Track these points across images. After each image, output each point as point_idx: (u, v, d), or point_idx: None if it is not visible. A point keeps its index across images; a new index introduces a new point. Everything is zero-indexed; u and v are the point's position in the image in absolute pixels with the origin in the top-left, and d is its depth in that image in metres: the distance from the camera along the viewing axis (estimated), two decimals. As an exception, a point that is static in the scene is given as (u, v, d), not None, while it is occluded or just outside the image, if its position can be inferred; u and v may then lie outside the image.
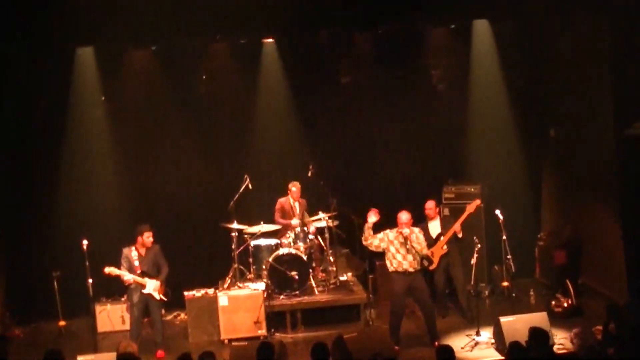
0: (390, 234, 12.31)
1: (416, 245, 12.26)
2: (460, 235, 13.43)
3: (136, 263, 12.52)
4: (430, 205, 13.64)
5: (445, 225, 13.53)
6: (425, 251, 12.44)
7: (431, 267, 13.30)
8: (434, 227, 13.57)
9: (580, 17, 13.49)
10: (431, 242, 13.33)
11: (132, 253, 12.58)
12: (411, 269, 12.26)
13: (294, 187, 14.50)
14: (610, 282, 13.68)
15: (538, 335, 9.42)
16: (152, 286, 12.57)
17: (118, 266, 12.51)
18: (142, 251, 12.62)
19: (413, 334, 12.95)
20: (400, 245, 12.24)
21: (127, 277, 12.47)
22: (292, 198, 14.56)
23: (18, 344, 13.85)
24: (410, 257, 12.24)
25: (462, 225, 13.41)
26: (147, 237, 12.58)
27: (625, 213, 12.96)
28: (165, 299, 12.82)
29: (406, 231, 12.17)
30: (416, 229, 12.41)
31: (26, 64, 14.01)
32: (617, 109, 12.87)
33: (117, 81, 14.93)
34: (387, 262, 12.39)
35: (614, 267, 13.38)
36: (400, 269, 12.26)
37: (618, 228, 13.17)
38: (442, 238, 13.39)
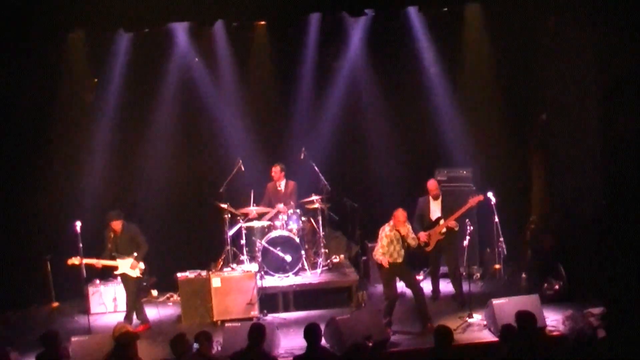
0: (389, 233, 12.29)
1: (411, 241, 12.41)
2: (456, 229, 13.43)
3: (109, 245, 12.71)
4: (433, 184, 13.59)
5: (445, 209, 13.47)
6: (415, 243, 12.57)
7: (427, 249, 13.38)
8: (435, 207, 13.53)
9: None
10: (430, 224, 13.39)
11: (109, 233, 12.75)
12: (400, 260, 12.38)
13: (274, 168, 14.60)
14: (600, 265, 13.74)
15: (524, 319, 9.52)
16: (125, 265, 12.68)
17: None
18: (118, 229, 12.74)
19: (403, 316, 12.96)
20: (396, 241, 12.32)
21: (95, 261, 12.67)
22: (275, 180, 14.65)
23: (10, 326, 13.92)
24: (402, 252, 12.36)
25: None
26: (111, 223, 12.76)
27: (611, 196, 13.03)
28: (141, 277, 12.92)
29: (404, 230, 12.28)
30: (408, 225, 12.50)
31: (16, 48, 13.88)
32: (604, 94, 12.95)
33: (108, 65, 14.92)
34: (380, 253, 12.42)
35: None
36: (391, 261, 12.34)
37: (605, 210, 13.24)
38: (441, 222, 13.41)
